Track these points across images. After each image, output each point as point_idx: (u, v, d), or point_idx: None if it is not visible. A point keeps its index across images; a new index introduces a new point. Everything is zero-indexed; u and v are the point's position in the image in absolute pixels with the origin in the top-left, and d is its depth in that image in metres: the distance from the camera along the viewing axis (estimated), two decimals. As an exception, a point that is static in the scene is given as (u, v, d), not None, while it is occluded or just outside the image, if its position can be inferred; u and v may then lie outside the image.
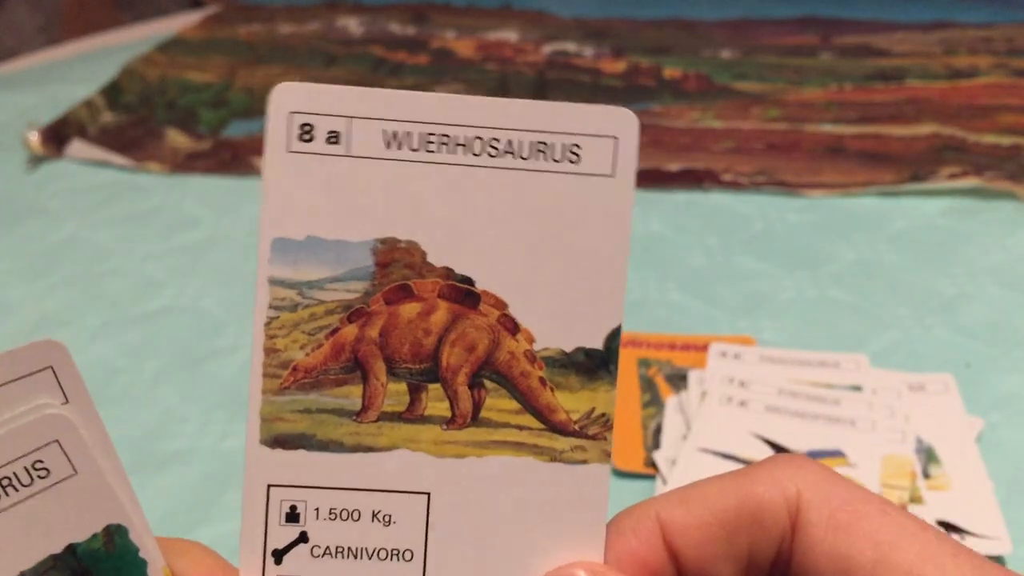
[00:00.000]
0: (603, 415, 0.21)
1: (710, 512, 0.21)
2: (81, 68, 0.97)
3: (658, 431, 0.46)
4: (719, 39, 1.05)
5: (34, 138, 0.77)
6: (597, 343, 0.21)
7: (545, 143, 0.20)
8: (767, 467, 0.21)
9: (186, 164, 0.77)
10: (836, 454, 0.42)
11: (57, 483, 0.20)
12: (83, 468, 0.20)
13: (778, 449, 0.43)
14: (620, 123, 0.21)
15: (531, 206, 0.20)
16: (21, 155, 0.77)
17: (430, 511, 0.21)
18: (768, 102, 0.88)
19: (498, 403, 0.21)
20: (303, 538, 0.21)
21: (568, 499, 0.21)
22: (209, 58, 1.00)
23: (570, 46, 1.03)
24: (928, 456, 0.43)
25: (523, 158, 0.20)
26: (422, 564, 0.21)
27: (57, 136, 0.79)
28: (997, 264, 0.61)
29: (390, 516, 0.21)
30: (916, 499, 0.40)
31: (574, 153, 0.20)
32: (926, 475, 0.42)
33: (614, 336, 0.21)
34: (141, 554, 0.20)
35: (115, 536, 0.20)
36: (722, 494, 0.21)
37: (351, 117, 0.20)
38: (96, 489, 0.20)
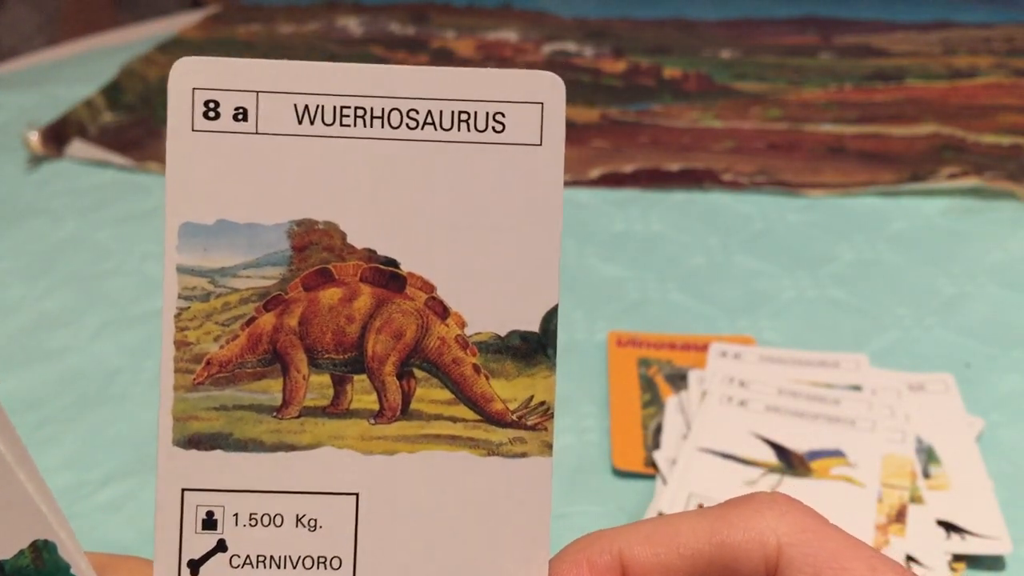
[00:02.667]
0: (543, 403, 0.19)
1: (678, 556, 0.19)
2: (81, 68, 0.97)
3: (658, 431, 0.46)
4: (719, 39, 1.05)
5: (34, 138, 0.77)
6: (533, 325, 0.19)
7: (467, 112, 0.19)
8: (745, 510, 0.19)
9: (186, 164, 0.77)
10: (836, 454, 0.42)
11: None
12: (4, 483, 0.19)
13: (778, 449, 0.43)
14: (546, 88, 0.19)
15: (456, 180, 0.19)
16: (21, 155, 0.77)
17: (359, 513, 0.19)
18: (768, 102, 0.88)
19: (429, 394, 0.19)
20: (221, 547, 0.19)
21: (508, 496, 0.19)
22: (209, 58, 1.00)
23: (570, 46, 1.03)
24: (928, 456, 0.43)
25: (445, 129, 0.19)
26: (351, 571, 0.19)
27: (57, 136, 0.79)
28: (997, 264, 0.61)
29: (316, 520, 0.19)
30: (916, 499, 0.40)
31: (498, 122, 0.19)
32: (926, 475, 0.42)
33: (551, 317, 0.19)
34: (72, 571, 0.19)
35: (43, 552, 0.19)
36: (694, 537, 0.19)
37: (259, 91, 0.19)
38: (20, 506, 0.19)
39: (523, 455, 0.19)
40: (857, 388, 0.47)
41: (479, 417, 0.19)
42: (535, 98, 0.19)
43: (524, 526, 0.19)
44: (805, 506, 0.19)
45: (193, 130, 0.19)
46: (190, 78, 0.18)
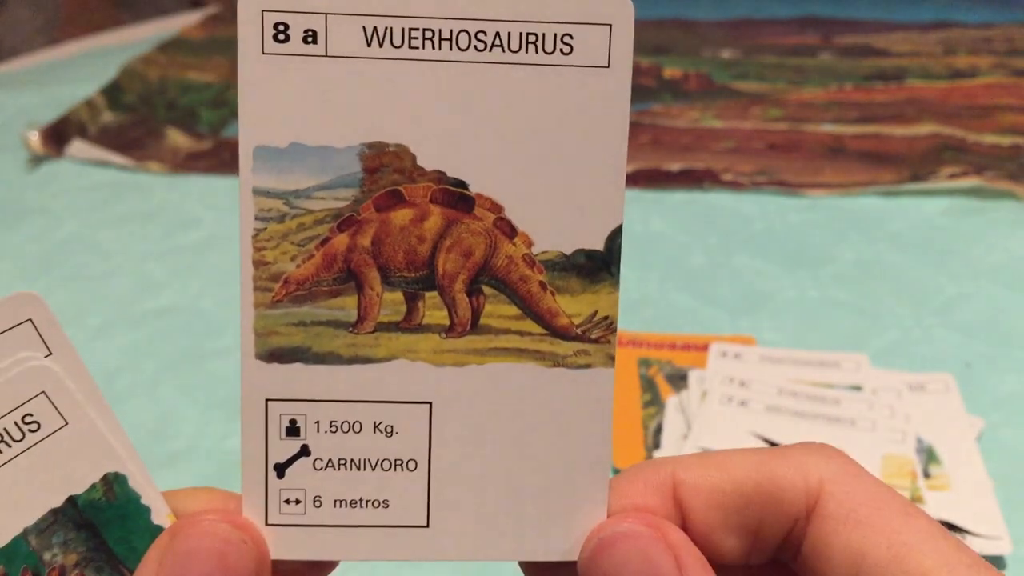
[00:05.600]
0: (606, 318, 0.20)
1: (728, 479, 0.20)
2: (81, 68, 0.97)
3: (658, 431, 0.46)
4: (719, 39, 1.06)
5: (34, 138, 0.77)
6: (598, 244, 0.20)
7: (536, 34, 0.19)
8: (795, 451, 0.21)
9: (186, 164, 0.77)
10: (836, 454, 0.42)
11: (49, 435, 0.19)
12: (73, 418, 0.20)
13: (778, 449, 0.43)
14: (615, 9, 0.19)
15: (524, 102, 0.19)
16: (21, 155, 0.77)
17: (432, 420, 0.20)
18: (768, 102, 0.88)
19: (497, 309, 0.20)
20: (304, 451, 0.20)
21: (572, 404, 0.20)
22: (209, 58, 1.00)
23: (570, 46, 1.03)
24: (928, 456, 0.43)
25: (513, 51, 0.19)
26: (426, 473, 0.20)
27: (57, 136, 0.79)
28: (997, 264, 0.61)
29: (392, 427, 0.20)
30: (916, 499, 0.40)
31: (566, 44, 0.19)
32: (926, 475, 0.42)
33: (615, 236, 0.20)
34: (143, 501, 0.20)
35: (114, 485, 0.20)
36: (743, 466, 0.20)
37: (327, 13, 0.19)
38: (89, 439, 0.20)
39: (587, 366, 0.20)
40: (857, 388, 0.47)
41: (545, 331, 0.20)
42: (604, 19, 0.19)
43: (589, 432, 0.20)
44: (850, 457, 0.21)
45: (263, 53, 0.19)
46: (260, 0, 0.19)
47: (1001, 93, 0.88)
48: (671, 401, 0.47)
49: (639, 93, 0.91)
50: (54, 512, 0.20)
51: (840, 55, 1.00)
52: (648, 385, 0.49)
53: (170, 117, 0.86)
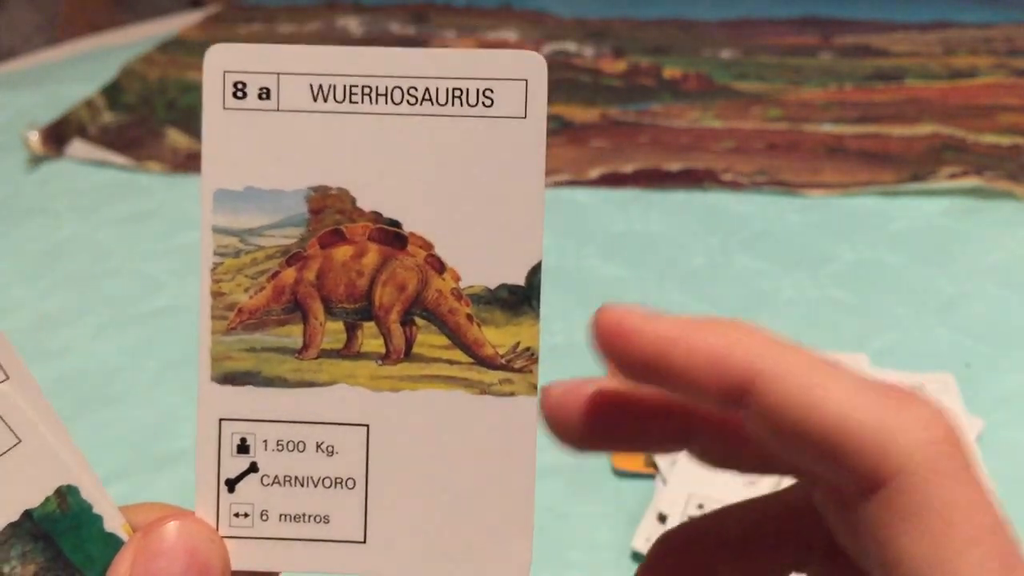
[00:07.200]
0: (528, 349, 0.22)
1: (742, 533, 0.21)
2: (81, 68, 0.97)
3: (658, 431, 0.46)
4: (719, 39, 1.06)
5: (34, 138, 0.77)
6: (519, 279, 0.22)
7: (460, 89, 0.21)
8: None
9: (186, 164, 0.77)
10: (836, 454, 0.42)
11: (3, 453, 0.21)
12: (26, 436, 0.21)
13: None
14: (530, 66, 0.21)
15: (451, 150, 0.21)
16: (21, 155, 0.77)
17: (369, 441, 0.22)
18: (768, 102, 0.88)
19: (429, 339, 0.22)
20: (253, 468, 0.22)
21: (498, 430, 0.22)
22: (209, 58, 1.00)
23: (570, 46, 1.03)
24: (928, 456, 0.43)
25: (440, 104, 0.21)
26: (363, 491, 0.22)
27: (57, 136, 0.79)
28: (997, 264, 0.61)
29: (332, 447, 0.22)
30: (916, 499, 0.40)
31: (488, 97, 0.21)
32: (926, 475, 0.42)
33: (535, 272, 0.22)
34: (95, 510, 0.21)
35: (67, 496, 0.21)
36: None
37: (279, 73, 0.21)
38: (42, 454, 0.21)
39: (511, 394, 0.22)
40: (857, 388, 0.47)
41: (472, 360, 0.22)
42: (520, 75, 0.21)
43: (513, 457, 0.22)
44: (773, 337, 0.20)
45: (224, 108, 0.21)
46: (222, 62, 0.21)
47: (1001, 93, 0.88)
48: (671, 401, 0.47)
49: (640, 93, 0.91)
50: (12, 526, 0.21)
51: (840, 55, 1.00)
52: (648, 385, 0.49)
53: (170, 117, 0.86)
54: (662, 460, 0.43)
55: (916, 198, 0.69)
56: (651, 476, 0.44)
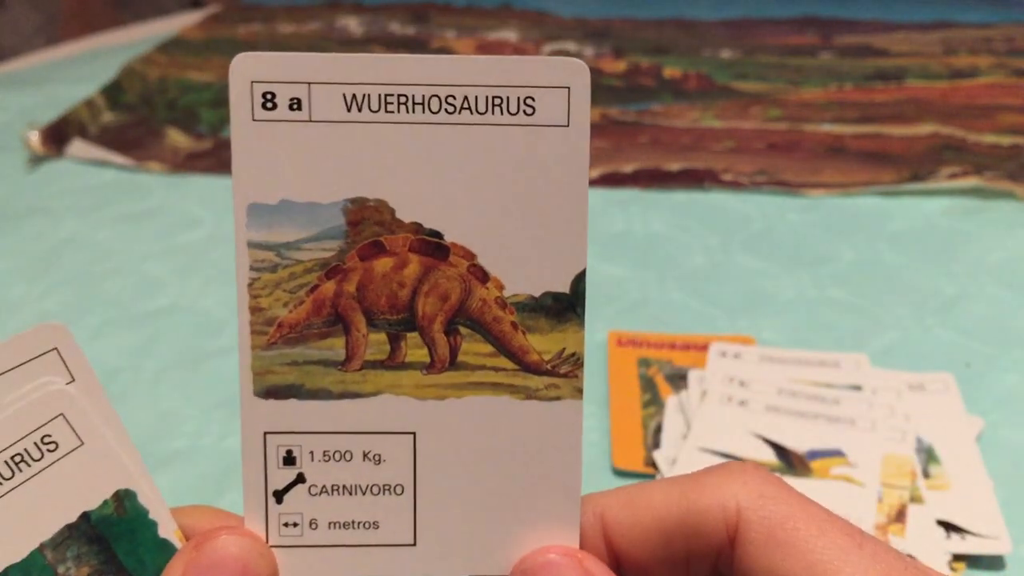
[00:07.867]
0: (573, 354, 0.22)
1: (651, 517, 0.22)
2: (81, 68, 0.97)
3: (658, 430, 0.46)
4: (719, 39, 1.06)
5: (34, 138, 0.77)
6: (564, 287, 0.22)
7: (500, 97, 0.21)
8: (714, 478, 0.22)
9: (186, 164, 0.77)
10: (836, 453, 0.42)
11: (66, 455, 0.21)
12: (88, 438, 0.21)
13: (778, 449, 0.43)
14: (572, 73, 0.21)
15: (491, 159, 0.21)
16: (21, 155, 0.77)
17: (416, 449, 0.22)
18: (768, 102, 0.88)
19: (473, 347, 0.22)
20: (300, 479, 0.22)
21: (544, 433, 0.22)
22: (209, 58, 1.00)
23: (570, 46, 1.03)
24: (928, 456, 0.43)
25: (480, 113, 0.21)
26: (412, 497, 0.22)
27: (57, 136, 0.79)
28: (997, 264, 0.61)
29: (380, 455, 0.22)
30: (916, 499, 0.40)
31: (529, 105, 0.21)
32: (926, 475, 0.42)
33: (579, 279, 0.22)
34: (150, 515, 0.21)
35: (124, 500, 0.21)
36: (665, 501, 0.22)
37: (310, 83, 0.20)
38: (103, 457, 0.21)
39: (557, 398, 0.22)
40: (857, 388, 0.47)
41: (517, 367, 0.22)
42: (562, 83, 0.21)
43: (560, 459, 0.22)
44: (770, 475, 0.22)
45: (253, 120, 0.21)
46: (249, 72, 0.21)
47: (1001, 93, 0.88)
48: (671, 401, 0.47)
49: (640, 93, 0.91)
50: (69, 527, 0.21)
51: (840, 55, 1.00)
52: (648, 385, 0.49)
53: (170, 117, 0.86)
54: (662, 459, 0.43)
55: (916, 198, 0.69)
56: (651, 476, 0.44)
